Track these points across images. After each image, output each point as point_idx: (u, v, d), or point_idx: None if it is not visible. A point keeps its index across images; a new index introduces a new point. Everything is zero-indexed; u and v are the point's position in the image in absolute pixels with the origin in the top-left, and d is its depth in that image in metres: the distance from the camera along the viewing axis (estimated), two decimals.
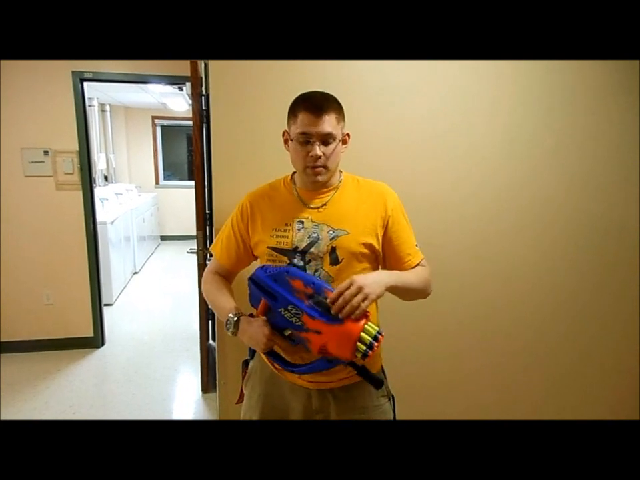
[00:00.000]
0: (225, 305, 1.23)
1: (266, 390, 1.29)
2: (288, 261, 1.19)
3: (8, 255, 3.25)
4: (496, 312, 2.05)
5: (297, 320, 1.06)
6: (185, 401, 2.84)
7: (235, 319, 1.17)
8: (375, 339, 1.02)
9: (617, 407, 2.22)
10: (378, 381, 1.14)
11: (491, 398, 2.12)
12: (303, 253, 1.18)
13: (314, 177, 1.18)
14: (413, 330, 1.97)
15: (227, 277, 1.35)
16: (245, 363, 1.39)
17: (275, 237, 1.21)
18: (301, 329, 1.07)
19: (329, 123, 1.13)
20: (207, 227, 2.40)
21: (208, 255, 2.29)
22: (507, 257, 2.01)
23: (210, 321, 2.83)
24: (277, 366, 1.25)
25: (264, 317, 1.14)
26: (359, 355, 1.03)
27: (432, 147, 1.87)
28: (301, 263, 1.18)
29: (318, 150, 1.13)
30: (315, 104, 1.14)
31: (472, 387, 2.10)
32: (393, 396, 1.32)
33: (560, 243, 2.05)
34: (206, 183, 2.44)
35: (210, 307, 1.34)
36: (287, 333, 1.14)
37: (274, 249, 1.20)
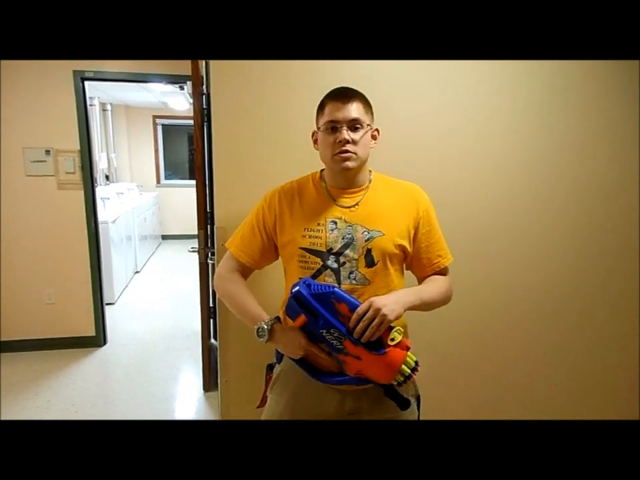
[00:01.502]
0: (255, 310, 1.20)
1: (295, 392, 1.25)
2: (321, 262, 1.16)
3: (9, 254, 3.25)
4: (496, 312, 2.04)
5: (338, 343, 1.05)
6: (187, 400, 2.84)
7: (269, 327, 1.14)
8: (413, 370, 1.05)
9: (617, 407, 2.22)
10: (405, 402, 1.15)
11: (490, 397, 2.12)
12: (338, 254, 1.15)
13: (342, 163, 1.14)
14: (413, 329, 1.96)
15: (243, 276, 1.29)
16: (270, 367, 1.34)
17: (307, 237, 1.17)
18: (341, 352, 1.06)
19: (356, 110, 1.13)
20: (209, 226, 2.40)
21: (210, 253, 2.29)
22: (508, 256, 2.00)
23: (211, 320, 2.84)
24: None
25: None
26: (395, 383, 1.06)
27: (432, 147, 1.86)
28: (335, 265, 1.16)
29: (345, 134, 1.12)
30: (342, 92, 1.16)
31: (471, 386, 2.09)
32: (419, 395, 1.30)
33: (561, 243, 2.04)
34: (207, 182, 2.45)
35: (231, 307, 1.28)
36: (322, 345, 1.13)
37: (307, 249, 1.16)
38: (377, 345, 1.04)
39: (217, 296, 1.28)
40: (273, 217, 1.22)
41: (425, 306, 1.18)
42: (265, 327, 1.14)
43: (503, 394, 2.13)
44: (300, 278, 1.14)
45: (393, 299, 1.07)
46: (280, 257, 1.29)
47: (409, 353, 1.06)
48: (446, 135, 1.86)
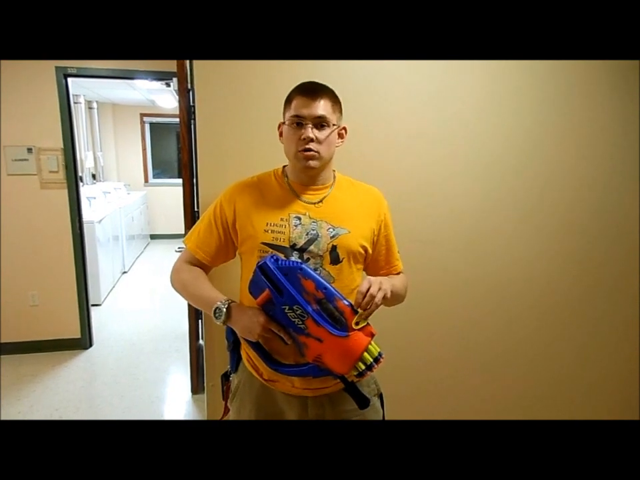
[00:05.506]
0: (210, 293, 1.16)
1: (258, 403, 1.22)
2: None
3: None
4: (491, 311, 2.03)
5: (300, 322, 1.01)
6: (175, 403, 2.80)
7: (225, 307, 1.11)
8: (376, 360, 1.01)
9: (617, 406, 2.21)
10: (365, 401, 1.10)
11: (488, 398, 2.10)
12: (302, 250, 1.13)
13: (305, 162, 1.12)
14: (405, 328, 1.94)
15: None
16: (225, 377, 1.31)
17: (269, 231, 1.14)
18: (302, 332, 1.02)
19: (323, 107, 1.11)
20: None
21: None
22: (501, 254, 1.99)
23: (199, 321, 2.79)
24: (265, 377, 1.20)
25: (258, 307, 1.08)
26: (355, 373, 1.01)
27: (424, 145, 1.84)
28: None
29: (310, 132, 1.10)
30: (310, 88, 1.13)
31: (468, 387, 2.08)
32: (381, 394, 1.29)
33: (556, 241, 2.03)
34: (194, 181, 2.40)
35: (186, 297, 1.25)
36: None
37: (269, 244, 1.13)
38: (341, 327, 1.00)
39: (174, 289, 1.25)
40: (231, 212, 1.19)
41: (393, 298, 1.16)
42: (222, 306, 1.11)
43: (499, 393, 2.12)
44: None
45: (382, 278, 1.07)
46: (239, 255, 1.25)
47: (372, 342, 1.02)
48: (437, 132, 1.84)
